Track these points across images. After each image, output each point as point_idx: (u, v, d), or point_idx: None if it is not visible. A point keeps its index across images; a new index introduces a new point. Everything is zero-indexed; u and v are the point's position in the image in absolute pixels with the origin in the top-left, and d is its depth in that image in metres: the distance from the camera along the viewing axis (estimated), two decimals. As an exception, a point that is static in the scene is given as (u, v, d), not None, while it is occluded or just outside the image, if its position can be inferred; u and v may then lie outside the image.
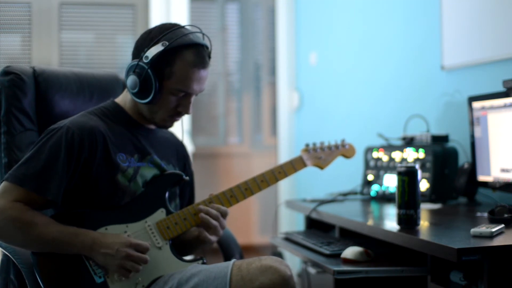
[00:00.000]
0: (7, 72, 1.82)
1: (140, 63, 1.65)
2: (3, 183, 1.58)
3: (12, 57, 3.87)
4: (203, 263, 1.68)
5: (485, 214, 1.81)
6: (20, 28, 3.84)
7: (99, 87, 1.98)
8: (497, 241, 1.46)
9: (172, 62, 1.65)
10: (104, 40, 3.99)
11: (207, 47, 1.72)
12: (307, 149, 1.96)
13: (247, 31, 4.46)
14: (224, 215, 1.72)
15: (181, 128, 1.85)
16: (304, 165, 1.92)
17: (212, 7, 4.42)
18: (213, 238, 1.70)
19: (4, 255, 1.71)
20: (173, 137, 1.91)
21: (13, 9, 3.87)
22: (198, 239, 1.72)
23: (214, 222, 1.68)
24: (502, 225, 1.58)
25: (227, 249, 1.95)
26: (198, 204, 1.73)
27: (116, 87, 1.99)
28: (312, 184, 3.75)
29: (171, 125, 1.78)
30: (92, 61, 3.96)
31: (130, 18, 3.94)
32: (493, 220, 1.68)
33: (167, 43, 1.64)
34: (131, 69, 1.67)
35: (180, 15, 3.84)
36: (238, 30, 4.47)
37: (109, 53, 3.98)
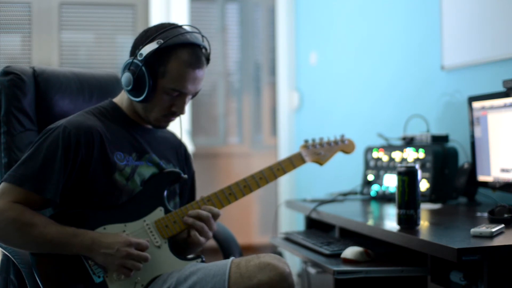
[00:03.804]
0: (7, 72, 1.82)
1: (135, 60, 1.66)
2: (2, 184, 1.58)
3: (12, 57, 3.87)
4: (202, 261, 1.68)
5: (485, 214, 1.81)
6: (20, 28, 3.84)
7: (99, 87, 1.98)
8: (497, 241, 1.46)
9: (166, 61, 1.65)
10: (104, 40, 4.00)
11: (205, 48, 1.72)
12: (306, 145, 1.94)
13: (247, 31, 4.46)
14: (215, 216, 1.70)
15: (179, 128, 1.85)
16: (303, 161, 1.91)
17: (212, 7, 4.42)
18: (202, 239, 1.68)
19: (4, 255, 1.71)
20: (173, 137, 1.90)
21: (13, 9, 3.87)
22: (187, 241, 1.71)
23: (199, 224, 1.67)
24: (502, 225, 1.58)
25: (227, 249, 1.94)
26: (197, 202, 1.73)
27: (116, 87, 1.99)
28: (312, 184, 3.75)
29: (166, 125, 1.77)
30: (92, 61, 3.96)
31: (130, 18, 3.94)
32: (493, 220, 1.68)
33: (162, 41, 1.64)
34: (126, 67, 1.68)
35: (180, 15, 3.84)
36: (238, 30, 4.47)
37: (109, 53, 3.98)
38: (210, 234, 1.69)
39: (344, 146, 2.01)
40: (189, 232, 1.68)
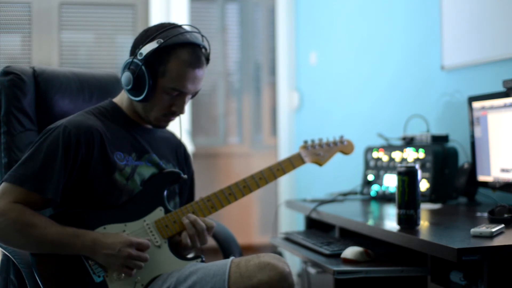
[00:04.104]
0: (7, 72, 1.82)
1: (135, 60, 1.66)
2: (3, 184, 1.58)
3: (12, 57, 3.87)
4: (202, 261, 1.68)
5: (485, 214, 1.81)
6: (20, 28, 3.84)
7: (99, 87, 1.98)
8: (497, 241, 1.46)
9: (166, 60, 1.65)
10: (104, 40, 4.00)
11: (205, 48, 1.72)
12: (305, 146, 1.95)
13: (247, 31, 4.46)
14: (209, 229, 1.69)
15: (179, 128, 1.85)
16: (302, 162, 1.91)
17: (212, 7, 4.42)
18: (190, 244, 1.67)
19: (4, 255, 1.71)
20: (173, 137, 1.90)
21: (13, 9, 3.87)
22: (177, 240, 1.71)
23: (192, 230, 1.67)
24: (502, 225, 1.58)
25: (227, 249, 1.94)
26: (197, 202, 1.73)
27: (116, 87, 1.99)
28: (312, 184, 3.75)
29: (166, 124, 1.77)
30: (92, 61, 3.96)
31: (130, 18, 3.94)
32: (493, 220, 1.68)
33: (162, 41, 1.64)
34: (126, 66, 1.68)
35: (180, 15, 3.84)
36: (238, 30, 4.47)
37: (109, 53, 3.98)
38: (199, 244, 1.68)
39: (343, 147, 2.01)
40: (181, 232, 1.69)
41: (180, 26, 1.71)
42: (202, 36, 1.73)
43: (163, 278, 1.62)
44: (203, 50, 1.71)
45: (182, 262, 1.66)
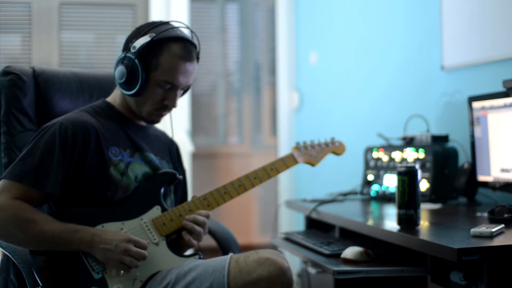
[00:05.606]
0: (7, 72, 1.83)
1: (128, 54, 1.68)
2: (2, 181, 1.59)
3: (12, 57, 3.87)
4: (200, 258, 1.69)
5: (485, 214, 1.81)
6: (20, 28, 3.84)
7: (99, 87, 1.99)
8: (497, 241, 1.46)
9: (158, 53, 1.68)
10: (104, 40, 4.00)
11: (195, 46, 1.75)
12: (297, 147, 2.00)
13: (247, 31, 4.46)
14: (207, 218, 1.73)
15: (170, 126, 1.88)
16: (295, 162, 1.95)
17: (212, 7, 4.42)
18: (196, 242, 1.70)
19: (4, 255, 1.71)
20: (164, 135, 1.93)
21: (13, 9, 3.87)
22: (179, 242, 1.73)
23: (198, 228, 1.69)
24: (502, 225, 1.58)
25: (227, 249, 1.95)
26: (193, 201, 1.75)
27: (115, 87, 1.99)
28: (312, 184, 3.75)
29: (158, 119, 1.79)
30: (92, 61, 3.96)
31: (130, 18, 3.94)
32: (493, 220, 1.68)
33: (154, 35, 1.68)
34: (120, 61, 1.71)
35: (180, 15, 3.84)
36: (238, 30, 4.47)
37: (109, 53, 3.98)
38: (203, 236, 1.72)
39: (334, 147, 2.06)
40: (182, 234, 1.70)
41: (169, 23, 1.75)
42: (192, 32, 1.77)
43: (162, 275, 1.62)
44: (194, 47, 1.74)
45: (181, 259, 1.67)
